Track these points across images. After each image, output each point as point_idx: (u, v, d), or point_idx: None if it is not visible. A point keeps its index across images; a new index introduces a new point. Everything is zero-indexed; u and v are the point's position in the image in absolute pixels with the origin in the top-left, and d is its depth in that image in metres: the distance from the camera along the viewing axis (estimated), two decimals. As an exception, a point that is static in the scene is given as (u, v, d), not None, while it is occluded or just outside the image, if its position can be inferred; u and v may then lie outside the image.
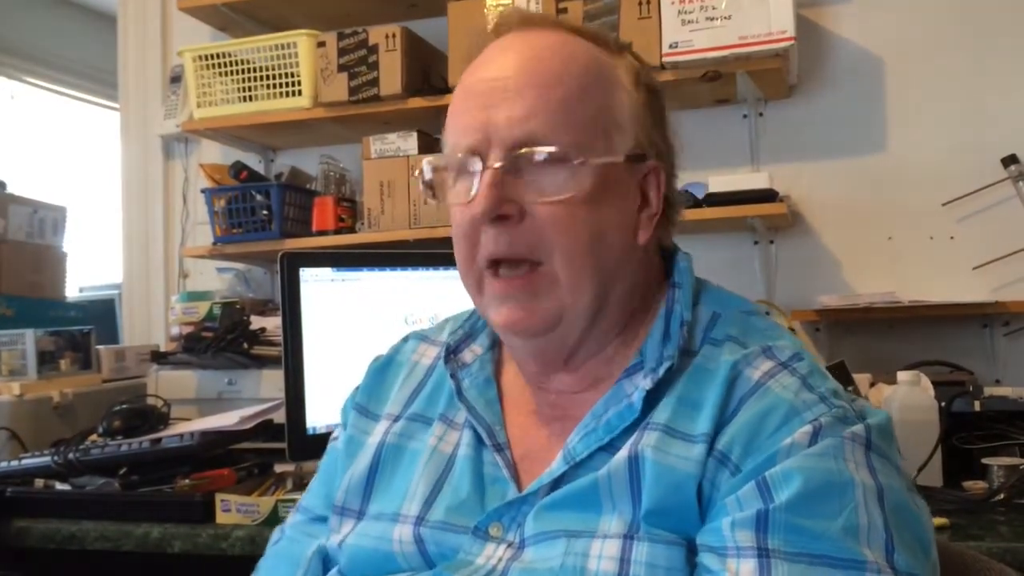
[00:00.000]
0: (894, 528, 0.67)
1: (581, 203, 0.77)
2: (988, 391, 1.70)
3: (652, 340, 0.81)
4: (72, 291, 3.44)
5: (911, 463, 1.43)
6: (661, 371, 0.78)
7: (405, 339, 0.99)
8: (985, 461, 1.43)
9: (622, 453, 0.75)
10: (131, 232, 2.72)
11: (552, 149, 0.76)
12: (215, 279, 2.58)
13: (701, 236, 2.18)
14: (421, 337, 0.97)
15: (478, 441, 0.83)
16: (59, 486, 1.58)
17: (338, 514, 0.87)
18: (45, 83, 3.89)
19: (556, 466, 0.77)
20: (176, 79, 2.57)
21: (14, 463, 1.63)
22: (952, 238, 2.05)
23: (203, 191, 2.33)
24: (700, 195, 1.99)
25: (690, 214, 1.98)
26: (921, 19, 2.09)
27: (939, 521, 1.26)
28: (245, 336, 1.88)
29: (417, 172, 0.85)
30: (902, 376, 1.58)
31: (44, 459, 1.60)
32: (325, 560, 0.87)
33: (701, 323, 0.82)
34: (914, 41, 2.09)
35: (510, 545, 0.76)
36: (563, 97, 0.77)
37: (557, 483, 0.77)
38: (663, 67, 1.95)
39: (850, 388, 1.73)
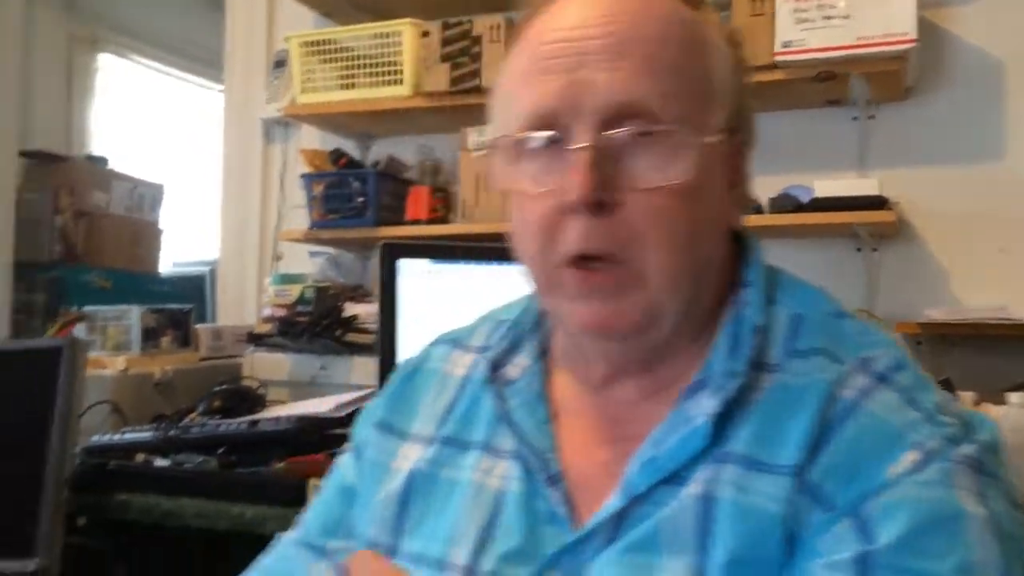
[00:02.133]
0: (1007, 560, 0.59)
1: (682, 192, 0.65)
2: (1108, 418, 1.61)
3: (718, 351, 0.69)
4: (164, 266, 3.56)
5: (1022, 487, 1.36)
6: (731, 391, 0.66)
7: (434, 343, 0.86)
8: (1106, 493, 1.36)
9: (691, 490, 0.65)
10: (229, 213, 2.78)
11: (660, 126, 0.64)
12: (307, 262, 2.62)
13: (800, 241, 2.12)
14: (452, 342, 0.84)
15: (529, 472, 0.72)
16: (159, 462, 1.62)
17: (370, 549, 0.77)
18: (149, 61, 4.00)
19: (614, 500, 0.67)
20: (280, 64, 2.60)
21: (116, 436, 1.68)
22: (1071, 254, 1.95)
23: (302, 176, 2.36)
24: (803, 198, 1.94)
25: (793, 218, 1.93)
26: (1049, 22, 1.98)
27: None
28: (339, 323, 1.90)
29: (475, 152, 0.74)
30: (1013, 398, 1.51)
31: (145, 434, 1.64)
32: None
33: (780, 329, 0.70)
34: (1040, 45, 1.99)
35: None
36: (672, 58, 0.65)
37: (619, 520, 0.67)
38: (775, 66, 1.89)
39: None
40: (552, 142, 0.67)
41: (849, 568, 0.59)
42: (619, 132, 0.65)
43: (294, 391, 1.95)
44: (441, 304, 1.69)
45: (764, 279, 0.73)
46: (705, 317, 0.72)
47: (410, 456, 0.79)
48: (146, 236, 3.40)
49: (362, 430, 0.85)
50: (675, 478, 0.66)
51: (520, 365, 0.78)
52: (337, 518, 0.82)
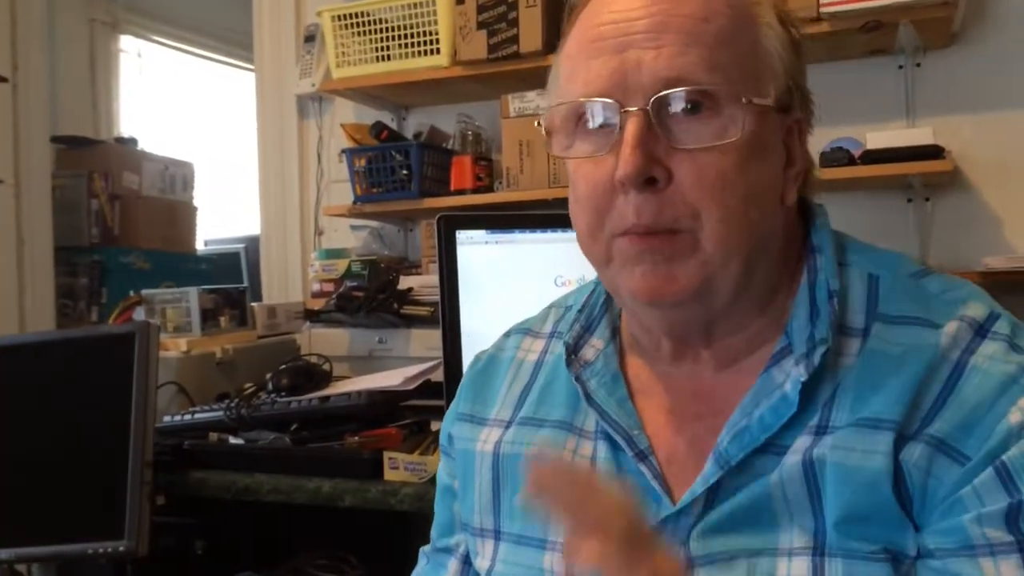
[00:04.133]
0: None
1: (735, 157, 0.66)
2: None
3: (798, 318, 0.70)
4: (198, 244, 3.58)
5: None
6: (817, 358, 0.67)
7: (507, 334, 0.89)
8: None
9: (792, 459, 0.67)
10: (267, 190, 2.78)
11: (706, 88, 0.65)
12: (350, 236, 2.63)
13: (850, 195, 2.11)
14: (524, 331, 0.88)
15: (615, 450, 0.74)
16: (232, 440, 1.65)
17: (478, 536, 0.81)
18: (171, 42, 3.99)
19: (709, 471, 0.69)
20: (310, 38, 2.59)
21: (187, 416, 1.71)
22: None
23: (344, 151, 2.36)
24: (853, 151, 1.92)
25: (844, 172, 1.91)
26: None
27: None
28: (395, 296, 1.91)
29: (536, 123, 0.75)
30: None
31: (217, 414, 1.66)
32: None
33: (855, 292, 0.71)
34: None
35: None
36: (716, 32, 0.67)
37: (714, 491, 0.69)
38: (820, 18, 1.87)
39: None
40: (605, 120, 0.69)
41: (1001, 518, 0.62)
42: (667, 93, 0.66)
43: (354, 365, 1.97)
44: (499, 273, 1.69)
45: (833, 244, 0.74)
46: (770, 287, 0.73)
47: (491, 439, 0.82)
48: (180, 215, 3.41)
49: (446, 430, 0.88)
50: (768, 447, 0.68)
51: (595, 347, 0.80)
52: (450, 518, 0.87)
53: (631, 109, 0.66)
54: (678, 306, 0.70)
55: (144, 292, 1.95)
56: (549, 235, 1.73)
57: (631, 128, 0.66)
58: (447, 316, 1.64)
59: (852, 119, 2.08)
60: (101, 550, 1.41)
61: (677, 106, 0.66)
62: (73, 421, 1.49)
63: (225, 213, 4.18)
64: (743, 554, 0.67)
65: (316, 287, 2.37)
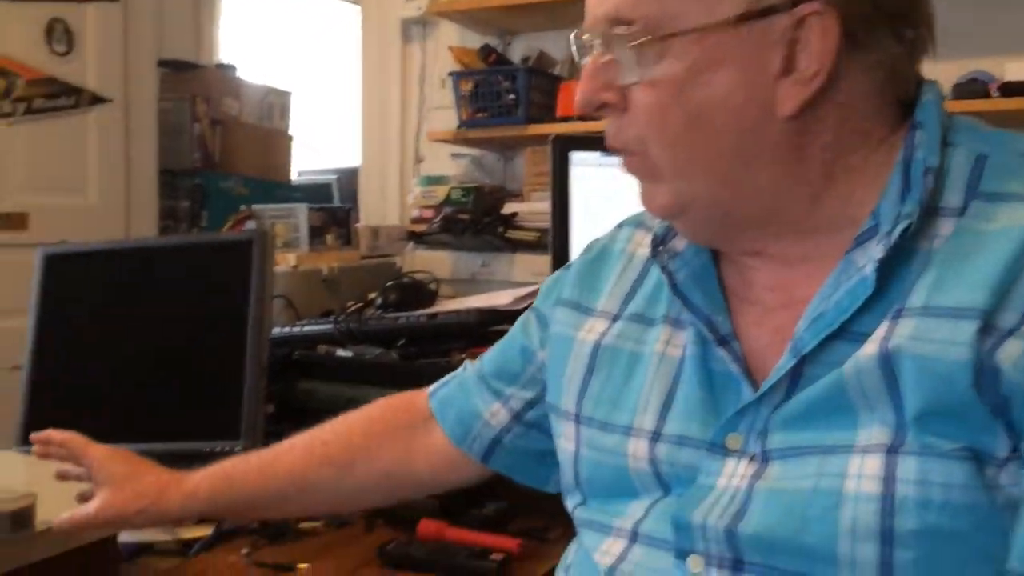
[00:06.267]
0: None
1: (670, 85, 0.66)
2: None
3: (888, 197, 0.65)
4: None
5: None
6: (896, 233, 0.62)
7: (620, 225, 0.87)
8: None
9: (869, 348, 0.62)
10: (370, 116, 2.78)
11: (628, 27, 0.66)
12: (447, 164, 2.62)
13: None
14: (636, 223, 0.86)
15: (702, 337, 0.72)
16: (340, 352, 1.66)
17: (564, 419, 0.82)
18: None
19: (784, 359, 0.66)
20: (418, -40, 2.56)
21: (296, 329, 1.73)
22: None
23: (450, 74, 2.34)
24: (987, 83, 1.82)
25: (978, 105, 1.81)
26: None
27: None
28: (500, 220, 1.90)
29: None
30: None
31: (325, 327, 1.68)
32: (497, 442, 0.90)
33: (959, 169, 0.65)
34: None
35: (752, 459, 0.66)
36: None
37: (794, 379, 0.66)
38: (964, -62, 1.76)
39: None
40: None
41: None
42: (604, 35, 0.68)
43: (456, 287, 1.97)
44: (611, 196, 1.66)
45: (939, 121, 0.67)
46: (802, 191, 0.68)
47: (596, 329, 0.81)
48: (277, 144, 3.45)
49: (548, 301, 0.88)
50: (845, 333, 0.64)
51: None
52: (514, 370, 0.90)
53: (589, 44, 0.71)
54: (674, 220, 0.73)
55: (254, 207, 1.97)
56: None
57: (588, 61, 0.71)
58: (557, 238, 1.61)
59: (987, 50, 1.96)
60: (219, 449, 1.44)
61: (616, 41, 0.68)
62: (191, 323, 1.52)
63: (320, 144, 4.21)
64: (816, 451, 0.63)
65: (415, 213, 2.37)
